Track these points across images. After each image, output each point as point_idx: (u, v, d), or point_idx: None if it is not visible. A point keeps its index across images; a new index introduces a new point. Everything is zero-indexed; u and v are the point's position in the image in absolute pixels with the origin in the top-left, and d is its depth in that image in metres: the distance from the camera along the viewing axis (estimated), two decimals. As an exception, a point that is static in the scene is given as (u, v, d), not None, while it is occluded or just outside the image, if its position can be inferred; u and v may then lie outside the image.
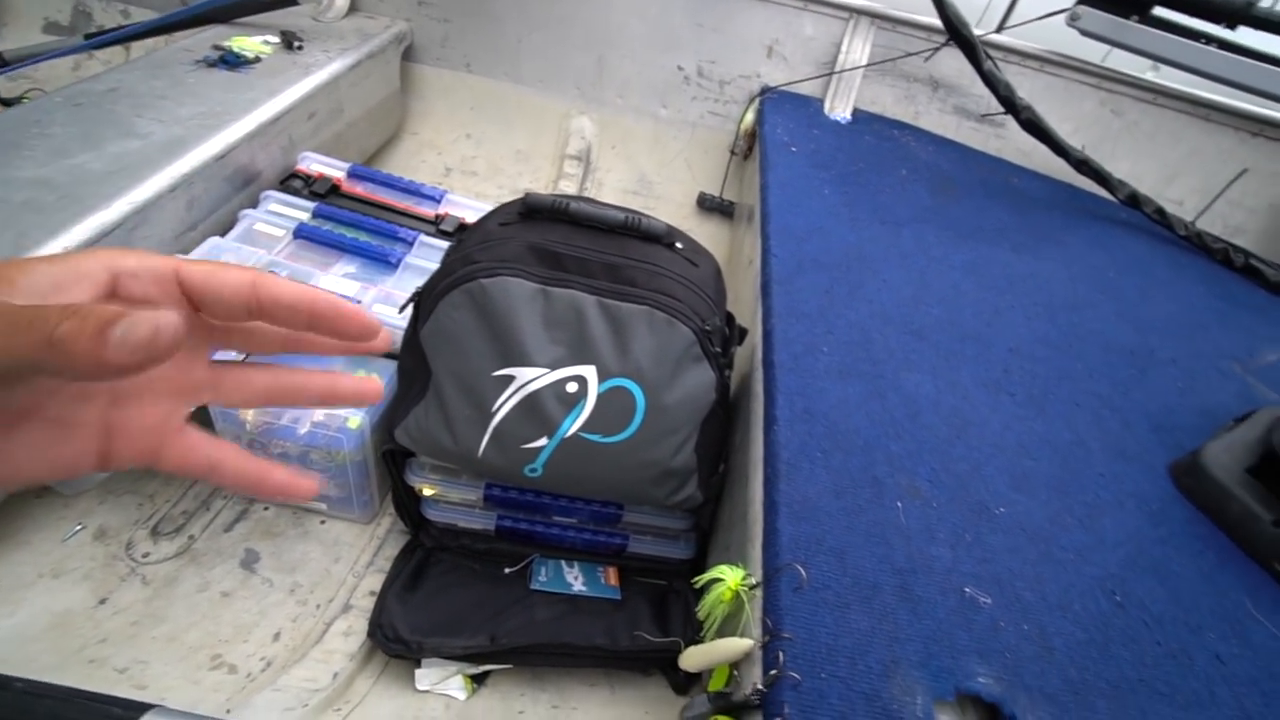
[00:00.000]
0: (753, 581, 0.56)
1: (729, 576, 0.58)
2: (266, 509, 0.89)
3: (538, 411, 0.65)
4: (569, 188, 1.47)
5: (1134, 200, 1.15)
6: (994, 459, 0.69)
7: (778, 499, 0.59)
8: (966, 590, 0.56)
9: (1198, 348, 0.93)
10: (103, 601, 0.74)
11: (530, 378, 0.64)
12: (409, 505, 0.82)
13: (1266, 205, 1.28)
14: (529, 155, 1.55)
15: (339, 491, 0.86)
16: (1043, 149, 1.23)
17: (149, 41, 1.33)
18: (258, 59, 1.21)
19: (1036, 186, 1.28)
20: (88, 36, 1.29)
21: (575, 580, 0.82)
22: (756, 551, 0.60)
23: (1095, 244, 1.13)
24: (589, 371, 0.64)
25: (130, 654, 0.69)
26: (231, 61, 1.18)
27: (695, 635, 0.73)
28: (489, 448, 0.67)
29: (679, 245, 0.71)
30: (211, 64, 1.17)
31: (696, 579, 0.60)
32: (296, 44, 1.27)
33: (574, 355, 0.65)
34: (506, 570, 0.80)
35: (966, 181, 1.23)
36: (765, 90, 1.39)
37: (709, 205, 1.48)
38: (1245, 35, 1.12)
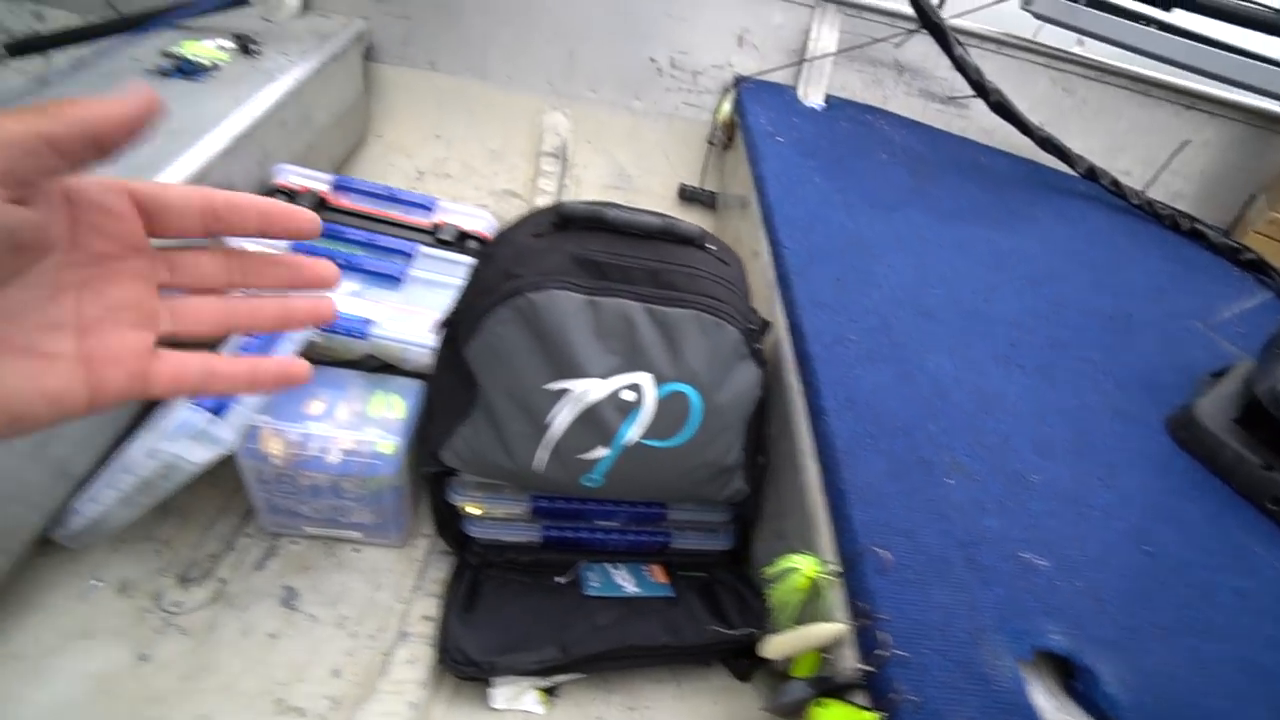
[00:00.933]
0: (832, 568, 0.59)
1: (803, 564, 0.61)
2: (295, 543, 0.86)
3: (595, 422, 0.66)
4: (548, 185, 1.45)
5: (1092, 173, 1.24)
6: (1018, 429, 0.74)
7: (843, 487, 0.62)
8: (1022, 555, 0.60)
9: (1165, 310, 1.02)
10: (143, 658, 0.71)
11: (585, 389, 0.65)
12: (451, 525, 0.82)
13: (1198, 172, 1.40)
14: (503, 154, 1.52)
15: (374, 518, 0.84)
16: (1005, 127, 1.30)
17: (78, 50, 1.22)
18: (215, 66, 1.14)
19: (1001, 164, 1.35)
20: (9, 46, 1.18)
21: (626, 582, 0.83)
22: (824, 538, 0.63)
23: (1061, 217, 1.21)
24: (644, 378, 0.65)
25: (189, 709, 0.66)
26: (188, 70, 1.10)
27: (759, 623, 0.76)
28: (547, 463, 0.68)
29: (710, 246, 0.73)
30: (166, 73, 1.09)
31: (768, 568, 0.63)
32: (254, 48, 1.20)
33: (627, 363, 0.65)
34: (559, 580, 0.81)
35: (940, 162, 1.28)
36: (740, 80, 1.40)
37: (690, 196, 1.49)
38: (1179, 17, 1.21)
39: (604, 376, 0.65)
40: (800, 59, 1.40)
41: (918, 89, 1.44)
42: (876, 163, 1.22)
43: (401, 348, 0.86)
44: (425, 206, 1.10)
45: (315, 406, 0.84)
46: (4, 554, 0.69)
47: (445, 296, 0.97)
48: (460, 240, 1.05)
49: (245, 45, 1.20)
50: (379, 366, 0.88)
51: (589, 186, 1.52)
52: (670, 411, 0.66)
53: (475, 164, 1.51)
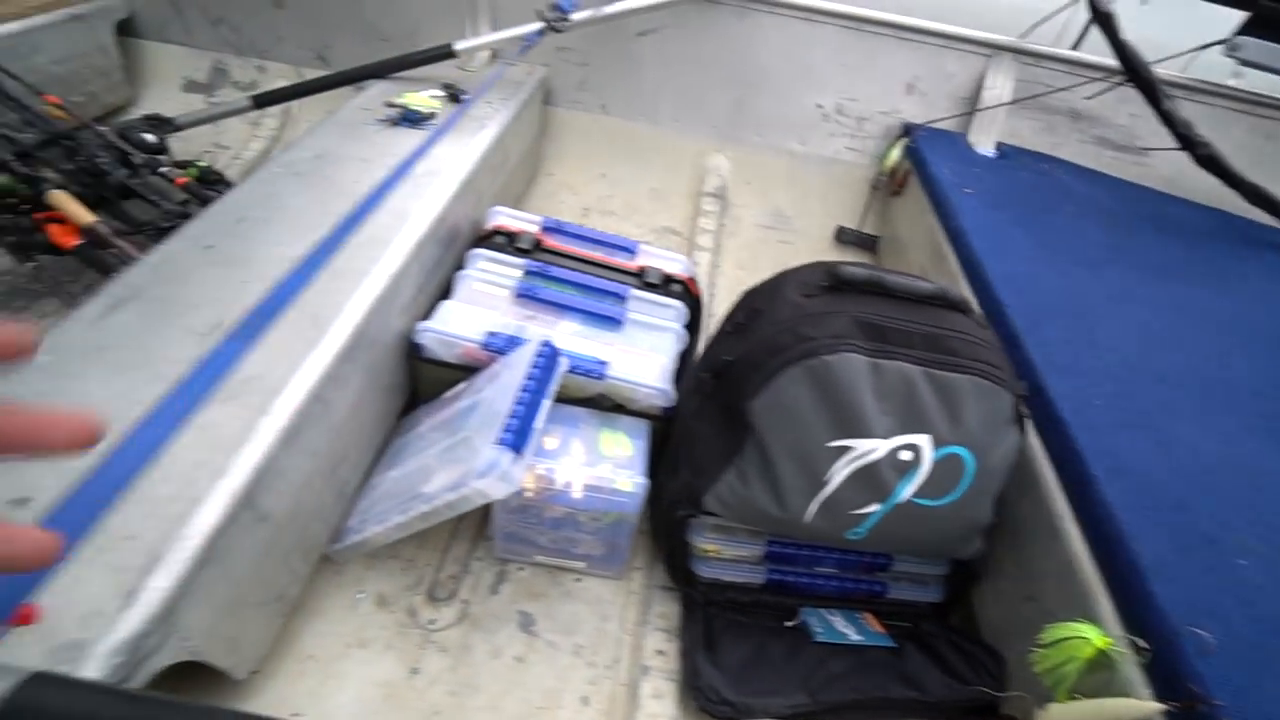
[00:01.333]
0: (1138, 643, 0.58)
1: (1090, 634, 0.61)
2: (521, 569, 0.91)
3: (872, 480, 0.67)
4: (708, 225, 1.50)
5: (1303, 229, 1.18)
6: (1295, 509, 0.71)
7: (1136, 561, 0.61)
8: (1346, 650, 0.58)
9: None
10: (415, 672, 0.76)
11: (868, 449, 0.67)
12: (680, 561, 0.85)
13: None
14: (664, 193, 1.57)
15: (603, 550, 0.88)
16: (1187, 176, 1.26)
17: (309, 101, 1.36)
18: (432, 114, 1.24)
19: (1191, 216, 1.31)
20: (255, 99, 1.31)
21: (847, 629, 0.84)
22: (1104, 609, 0.63)
23: (1272, 275, 1.16)
24: (923, 440, 0.67)
25: (468, 726, 0.71)
26: (412, 119, 1.20)
27: (994, 681, 0.76)
28: (817, 515, 0.70)
29: (973, 312, 0.74)
30: (394, 122, 1.19)
31: (1046, 634, 0.63)
32: (463, 96, 1.30)
33: (905, 424, 0.67)
34: (787, 624, 0.82)
35: (1128, 215, 1.25)
36: (910, 128, 1.41)
37: (848, 239, 1.51)
38: None
39: (884, 436, 0.67)
40: (972, 107, 1.40)
41: (1093, 136, 1.42)
42: (1066, 216, 1.20)
43: (632, 388, 0.90)
44: (629, 249, 1.15)
45: (550, 442, 0.89)
46: (306, 565, 0.76)
47: (660, 339, 1.01)
48: (665, 283, 1.09)
49: (454, 94, 1.30)
50: (611, 406, 0.92)
51: (747, 226, 1.55)
52: (944, 473, 0.68)
53: (638, 202, 1.57)
